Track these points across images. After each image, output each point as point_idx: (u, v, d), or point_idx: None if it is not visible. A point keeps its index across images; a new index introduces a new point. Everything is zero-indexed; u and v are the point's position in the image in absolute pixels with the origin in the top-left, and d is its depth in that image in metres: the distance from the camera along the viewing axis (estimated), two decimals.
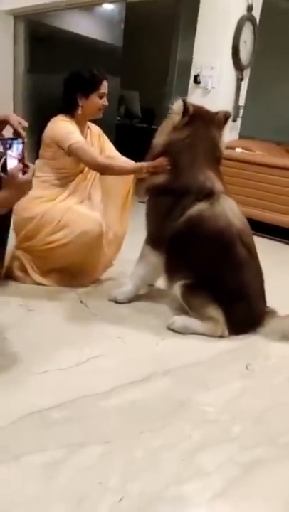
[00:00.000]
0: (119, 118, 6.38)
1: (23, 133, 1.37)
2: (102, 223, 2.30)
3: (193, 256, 2.03)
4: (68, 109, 2.32)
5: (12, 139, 1.35)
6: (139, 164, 2.25)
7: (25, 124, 1.44)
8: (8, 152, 1.33)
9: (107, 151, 2.53)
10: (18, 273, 2.38)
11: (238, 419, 1.46)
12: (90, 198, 2.40)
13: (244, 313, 2.04)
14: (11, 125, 1.38)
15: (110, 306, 2.22)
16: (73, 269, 2.40)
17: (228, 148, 4.32)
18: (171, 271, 2.13)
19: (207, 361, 1.82)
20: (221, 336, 2.01)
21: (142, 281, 2.30)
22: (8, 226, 1.68)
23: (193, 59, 4.28)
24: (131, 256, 2.31)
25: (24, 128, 1.43)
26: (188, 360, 1.80)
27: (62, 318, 2.04)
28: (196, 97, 4.26)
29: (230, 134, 4.48)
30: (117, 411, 1.44)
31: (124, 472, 1.19)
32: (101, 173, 2.36)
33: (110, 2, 5.42)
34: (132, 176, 2.47)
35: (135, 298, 2.29)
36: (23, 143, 1.37)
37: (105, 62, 5.86)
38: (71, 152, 2.22)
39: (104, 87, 2.32)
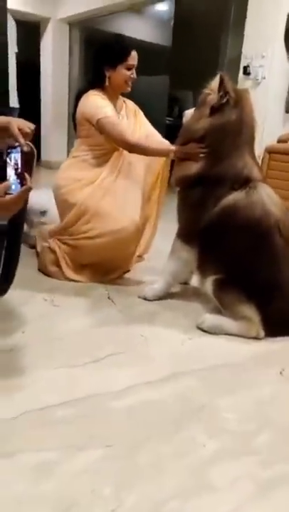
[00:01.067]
0: (171, 118, 6.28)
1: (22, 141, 1.24)
2: (137, 220, 2.20)
3: (227, 248, 1.86)
4: (96, 81, 2.27)
5: (12, 147, 1.24)
6: (167, 148, 2.14)
7: (28, 130, 1.31)
8: (8, 161, 1.22)
9: (143, 127, 2.44)
10: (52, 268, 2.34)
11: (263, 430, 1.28)
12: (129, 175, 2.31)
13: (282, 313, 1.83)
14: (11, 133, 1.26)
15: (139, 303, 2.11)
16: (106, 265, 2.33)
17: (281, 141, 4.11)
18: (203, 265, 1.97)
19: (236, 364, 1.64)
20: (256, 338, 1.82)
21: (174, 278, 2.16)
22: (19, 242, 1.60)
23: (243, 49, 4.08)
24: (164, 247, 2.18)
25: (27, 134, 1.31)
26: (215, 361, 1.64)
27: (86, 314, 1.96)
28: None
29: (283, 126, 4.22)
30: (127, 412, 1.32)
31: (122, 480, 1.07)
32: (129, 151, 2.25)
33: (159, 1, 5.35)
34: (163, 158, 2.36)
35: (166, 296, 2.16)
36: (21, 152, 1.22)
37: (156, 62, 5.85)
38: (99, 127, 2.17)
39: (133, 59, 2.25)
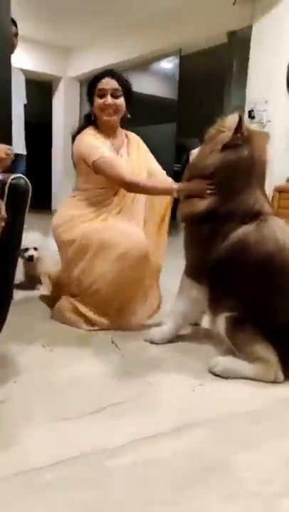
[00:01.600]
0: (179, 165, 6.35)
1: None
2: (143, 241, 2.05)
3: (239, 285, 1.71)
4: (90, 120, 2.24)
5: None
6: (170, 186, 2.03)
7: (3, 155, 1.24)
8: None
9: (147, 162, 2.35)
10: (71, 315, 2.15)
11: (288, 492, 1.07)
12: (132, 217, 2.21)
13: None
14: None
15: (145, 347, 1.94)
16: (115, 303, 2.13)
17: None
18: (215, 303, 1.81)
19: (254, 412, 1.44)
20: (275, 381, 1.62)
21: (183, 319, 1.99)
22: (9, 284, 1.49)
23: (247, 95, 4.14)
24: (171, 286, 2.04)
25: (2, 159, 1.23)
26: (230, 410, 1.44)
27: (86, 360, 1.79)
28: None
29: None
30: (125, 473, 1.12)
31: None
32: (128, 191, 2.16)
33: (165, 57, 5.56)
34: (167, 199, 2.27)
35: (175, 338, 1.98)
36: None
37: (163, 113, 6.01)
38: (95, 168, 2.09)
39: (102, 84, 2.15)
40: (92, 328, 2.10)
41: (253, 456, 1.21)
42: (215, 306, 1.80)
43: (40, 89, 7.06)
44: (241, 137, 1.75)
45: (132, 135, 2.40)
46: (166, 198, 2.28)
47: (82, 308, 2.13)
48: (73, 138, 2.28)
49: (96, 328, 2.10)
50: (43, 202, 7.43)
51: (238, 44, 4.49)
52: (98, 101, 2.17)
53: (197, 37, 4.74)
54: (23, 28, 3.52)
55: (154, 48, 5.26)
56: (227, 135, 1.77)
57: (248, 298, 1.68)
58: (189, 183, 1.90)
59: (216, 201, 1.80)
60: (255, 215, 1.75)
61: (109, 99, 2.15)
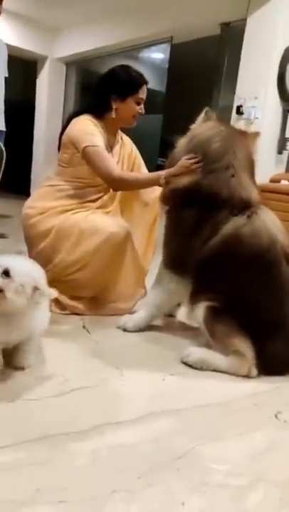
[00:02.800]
0: (164, 160, 6.29)
1: None
2: (127, 226, 2.01)
3: (228, 279, 1.65)
4: (100, 110, 2.11)
5: None
6: (155, 174, 1.94)
7: None
8: None
9: (137, 167, 2.29)
10: None
11: (256, 486, 1.03)
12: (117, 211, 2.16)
13: (281, 349, 1.62)
14: None
15: (117, 334, 1.89)
16: (93, 288, 2.06)
17: (273, 181, 4.05)
18: (197, 293, 1.75)
19: (224, 404, 1.40)
20: (247, 376, 1.59)
21: (158, 309, 1.94)
22: None
23: (236, 89, 4.11)
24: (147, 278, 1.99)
25: None
26: (199, 401, 1.40)
27: (55, 344, 1.71)
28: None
29: (276, 167, 4.18)
30: (89, 458, 1.07)
31: None
32: (114, 189, 2.10)
33: (155, 44, 5.47)
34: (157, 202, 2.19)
35: (148, 327, 1.94)
36: None
37: (150, 105, 5.93)
38: (84, 155, 1.98)
39: (143, 93, 2.12)
40: (62, 311, 2.03)
41: (220, 448, 1.17)
42: (196, 295, 1.75)
43: (25, 68, 6.86)
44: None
45: (127, 139, 2.32)
46: (151, 209, 2.22)
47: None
48: (69, 119, 2.14)
49: (67, 312, 2.03)
50: (21, 186, 7.26)
51: (231, 37, 4.44)
52: (135, 106, 2.11)
53: (190, 25, 4.65)
54: (9, 1, 3.38)
55: (145, 34, 5.15)
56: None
57: (234, 291, 1.63)
58: (175, 167, 1.82)
59: (198, 176, 1.73)
60: (244, 205, 1.70)
61: (143, 109, 2.14)
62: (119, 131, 2.27)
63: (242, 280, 1.64)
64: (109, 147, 2.15)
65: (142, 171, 2.30)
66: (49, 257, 2.00)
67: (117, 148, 2.23)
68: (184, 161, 1.77)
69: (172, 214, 1.84)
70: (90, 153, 1.97)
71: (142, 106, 2.14)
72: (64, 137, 2.10)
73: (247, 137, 1.91)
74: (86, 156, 1.98)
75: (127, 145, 2.30)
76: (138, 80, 2.11)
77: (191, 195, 1.75)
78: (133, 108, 2.11)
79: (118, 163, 2.19)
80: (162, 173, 1.89)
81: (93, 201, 2.12)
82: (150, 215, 2.24)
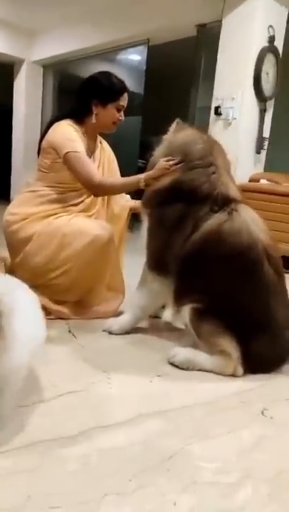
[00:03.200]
0: (144, 161, 6.31)
1: None
2: (110, 228, 2.03)
3: (210, 277, 1.67)
4: (80, 115, 2.11)
5: None
6: (135, 177, 1.94)
7: None
8: None
9: (113, 173, 2.30)
10: None
11: (247, 482, 1.05)
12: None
13: (265, 347, 1.64)
14: None
15: (103, 337, 1.89)
16: (77, 291, 2.06)
17: (252, 180, 4.10)
18: (181, 294, 1.76)
19: (211, 403, 1.42)
20: (233, 375, 1.61)
21: (143, 312, 1.94)
22: None
23: (214, 90, 4.15)
24: (130, 280, 1.99)
25: None
26: (187, 401, 1.42)
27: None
28: (217, 129, 4.09)
29: (254, 167, 4.23)
30: (79, 463, 1.07)
31: None
32: (95, 195, 2.10)
33: (133, 46, 5.49)
34: (127, 209, 2.27)
35: (134, 330, 1.94)
36: None
37: (128, 106, 5.95)
38: (66, 160, 1.97)
39: (124, 100, 2.12)
40: (48, 317, 2.02)
41: (208, 447, 1.18)
42: (181, 296, 1.76)
43: (1, 72, 6.80)
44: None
45: (106, 144, 2.33)
46: (124, 216, 2.29)
47: (40, 298, 2.03)
48: (50, 124, 2.13)
49: (52, 317, 2.02)
50: (1, 191, 7.19)
51: (207, 38, 4.48)
52: (115, 113, 2.11)
53: (166, 27, 4.68)
54: None
55: (122, 36, 5.16)
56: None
57: (218, 290, 1.65)
58: (154, 170, 1.84)
59: (177, 175, 1.76)
60: (224, 201, 1.72)
61: (123, 116, 2.15)
62: (99, 136, 2.27)
63: (224, 280, 1.65)
64: (90, 152, 2.15)
65: (117, 177, 2.31)
66: (32, 262, 1.99)
67: (97, 153, 2.23)
68: (163, 163, 1.79)
69: (154, 214, 1.84)
70: (71, 159, 1.97)
71: (122, 113, 2.15)
72: (44, 143, 2.09)
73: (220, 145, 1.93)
74: (67, 161, 1.98)
75: (106, 150, 2.31)
76: (119, 87, 2.11)
77: (172, 193, 1.76)
78: (113, 114, 2.12)
79: (98, 167, 2.20)
80: (142, 176, 1.89)
81: (75, 205, 2.12)
82: (119, 221, 2.29)
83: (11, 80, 6.91)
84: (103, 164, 2.26)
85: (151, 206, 1.85)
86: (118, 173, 2.35)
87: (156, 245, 1.83)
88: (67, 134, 2.02)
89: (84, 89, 2.13)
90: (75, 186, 2.08)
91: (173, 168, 1.77)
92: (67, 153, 1.96)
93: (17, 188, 7.08)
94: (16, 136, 7.05)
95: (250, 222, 1.70)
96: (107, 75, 2.13)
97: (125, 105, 2.14)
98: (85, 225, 1.99)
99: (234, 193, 1.76)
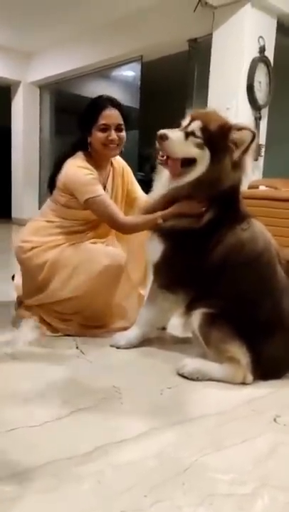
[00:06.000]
0: (143, 174, 6.36)
1: None
2: (121, 256, 2.03)
3: (226, 283, 1.69)
4: (80, 146, 2.07)
5: None
6: (152, 217, 1.84)
7: None
8: None
9: (131, 191, 2.27)
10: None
11: (264, 491, 1.05)
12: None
13: (277, 352, 1.65)
14: None
15: (111, 352, 1.89)
16: (85, 313, 2.06)
17: (251, 187, 4.12)
18: (192, 302, 1.77)
19: (223, 413, 1.42)
20: (243, 383, 1.61)
21: (151, 327, 1.97)
22: None
23: (208, 102, 4.20)
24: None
25: None
26: (199, 412, 1.41)
27: (50, 366, 1.72)
28: None
29: (253, 174, 4.26)
30: (94, 480, 1.07)
31: None
32: (123, 232, 2.07)
33: (127, 63, 5.58)
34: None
35: (141, 343, 1.94)
36: None
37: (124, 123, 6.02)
38: (88, 206, 1.98)
39: (105, 118, 1.98)
40: (55, 334, 2.03)
41: (223, 458, 1.18)
42: (193, 303, 1.76)
43: None
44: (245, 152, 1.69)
45: (117, 161, 2.25)
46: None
47: (47, 317, 2.06)
48: (57, 165, 2.09)
49: (59, 334, 2.03)
50: (2, 210, 7.25)
51: (199, 52, 4.56)
52: (100, 135, 1.99)
53: (158, 44, 4.77)
54: None
55: (116, 54, 5.26)
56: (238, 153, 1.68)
57: (230, 296, 1.66)
58: (179, 207, 1.78)
59: (215, 213, 1.73)
60: (243, 217, 1.77)
61: (113, 134, 1.99)
62: (110, 160, 2.20)
63: (240, 284, 1.68)
64: (102, 184, 2.10)
65: (137, 193, 2.29)
66: (43, 287, 2.03)
67: (109, 181, 2.19)
68: (195, 205, 1.74)
69: (173, 240, 1.80)
70: (94, 205, 1.97)
71: (113, 132, 1.99)
72: (59, 183, 2.04)
73: None
74: (89, 207, 1.98)
75: (118, 171, 2.23)
76: (95, 107, 2.01)
77: (201, 230, 1.73)
78: (99, 138, 2.00)
79: (112, 197, 2.15)
80: (159, 214, 1.83)
81: (90, 232, 2.12)
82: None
83: (8, 101, 7.02)
84: (116, 192, 2.21)
85: (169, 238, 1.80)
86: (137, 186, 2.31)
87: (174, 268, 1.80)
88: (82, 178, 1.97)
89: (78, 123, 2.09)
90: (90, 221, 2.09)
91: (200, 212, 1.74)
92: (87, 199, 1.95)
93: (18, 205, 7.14)
94: (15, 155, 7.14)
95: (263, 230, 1.77)
96: (93, 100, 2.06)
97: (110, 122, 1.98)
98: (96, 253, 2.00)
99: (248, 211, 1.82)
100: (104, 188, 2.12)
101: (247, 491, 1.05)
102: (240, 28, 3.88)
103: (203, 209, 1.73)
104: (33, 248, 2.05)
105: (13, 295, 2.38)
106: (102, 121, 1.99)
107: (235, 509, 0.99)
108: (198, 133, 1.68)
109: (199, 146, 1.68)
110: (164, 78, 5.85)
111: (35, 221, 2.17)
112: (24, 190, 7.04)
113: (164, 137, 1.69)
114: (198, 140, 1.68)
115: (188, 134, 1.70)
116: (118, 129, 2.02)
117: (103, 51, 5.38)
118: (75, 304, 2.00)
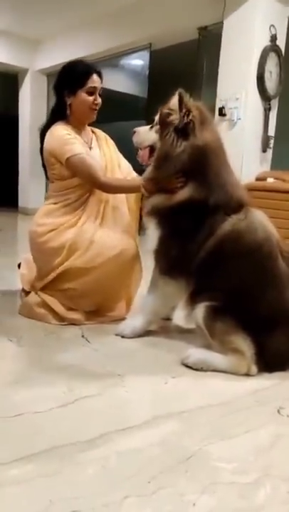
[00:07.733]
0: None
1: None
2: (135, 243, 2.06)
3: (227, 275, 1.69)
4: (59, 111, 2.09)
5: None
6: (137, 183, 1.92)
7: None
8: None
9: (117, 157, 2.27)
10: (38, 310, 2.08)
11: (265, 481, 1.06)
12: (115, 224, 2.10)
13: (282, 344, 1.65)
14: None
15: (116, 341, 1.90)
16: (95, 298, 2.09)
17: (259, 179, 4.10)
18: (194, 294, 1.78)
19: (227, 403, 1.42)
20: (247, 374, 1.61)
21: (156, 316, 1.97)
22: None
23: (218, 91, 4.16)
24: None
25: None
26: (203, 402, 1.42)
27: (55, 354, 1.73)
28: (222, 130, 4.09)
29: (261, 165, 4.23)
30: (98, 466, 1.08)
31: None
32: (103, 191, 2.08)
33: (135, 51, 5.52)
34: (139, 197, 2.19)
35: (146, 333, 1.95)
36: None
37: (132, 111, 5.96)
38: (68, 166, 2.00)
39: (94, 82, 2.03)
40: (61, 323, 2.04)
41: (226, 447, 1.19)
42: (195, 295, 1.77)
43: (6, 82, 6.88)
44: (187, 114, 1.71)
45: (99, 131, 2.31)
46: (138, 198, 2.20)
47: (54, 305, 2.06)
48: (42, 134, 2.13)
49: (65, 323, 2.04)
50: (9, 199, 7.25)
51: (209, 40, 4.50)
52: (87, 98, 2.04)
53: (167, 31, 4.71)
54: None
55: (124, 42, 5.20)
56: (175, 117, 1.73)
57: (232, 287, 1.66)
58: (159, 179, 1.80)
59: (193, 191, 1.73)
60: (237, 206, 1.74)
61: (98, 99, 2.08)
62: (88, 127, 2.23)
63: (242, 275, 1.67)
64: (86, 145, 2.13)
65: (122, 162, 2.26)
66: (55, 265, 2.02)
67: (94, 144, 2.22)
68: (173, 180, 1.76)
69: (167, 224, 1.82)
70: (73, 163, 1.99)
71: (98, 96, 2.07)
72: (46, 154, 2.09)
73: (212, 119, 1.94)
74: (70, 166, 2.00)
75: (101, 137, 2.28)
76: (84, 70, 2.04)
77: (191, 207, 1.74)
78: (86, 100, 2.04)
79: (101, 157, 2.17)
80: (141, 181, 1.89)
81: (88, 204, 2.11)
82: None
83: (16, 89, 6.99)
84: (104, 151, 2.22)
85: (164, 218, 1.82)
86: (122, 157, 2.29)
87: (170, 253, 1.82)
88: (60, 139, 2.00)
89: (56, 85, 2.11)
90: (85, 188, 2.09)
91: (178, 186, 1.76)
92: (67, 159, 1.98)
93: (25, 194, 7.14)
94: (22, 144, 7.11)
95: (264, 220, 1.74)
96: (71, 63, 2.11)
97: (98, 86, 2.06)
98: (114, 237, 2.02)
99: (245, 196, 1.79)
100: (91, 148, 2.15)
101: (249, 480, 1.06)
102: (252, 16, 3.81)
103: (180, 185, 1.75)
104: (49, 231, 2.06)
105: (19, 284, 2.40)
106: (91, 84, 2.04)
107: (238, 497, 1.00)
108: (156, 121, 1.83)
109: (157, 131, 1.82)
110: (173, 67, 5.77)
111: (45, 205, 2.19)
112: (31, 180, 7.03)
113: (134, 131, 1.94)
114: (157, 127, 1.82)
115: (152, 125, 1.86)
116: (100, 94, 2.11)
117: (111, 39, 5.32)
118: (87, 281, 1.99)
